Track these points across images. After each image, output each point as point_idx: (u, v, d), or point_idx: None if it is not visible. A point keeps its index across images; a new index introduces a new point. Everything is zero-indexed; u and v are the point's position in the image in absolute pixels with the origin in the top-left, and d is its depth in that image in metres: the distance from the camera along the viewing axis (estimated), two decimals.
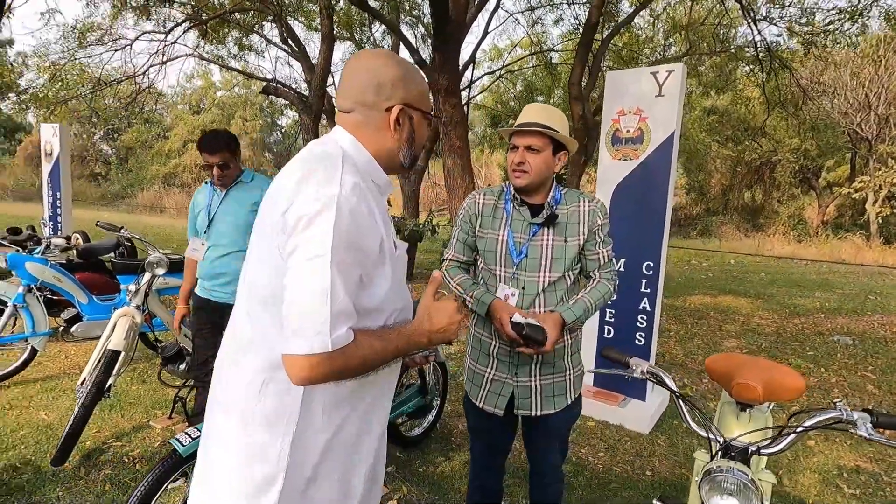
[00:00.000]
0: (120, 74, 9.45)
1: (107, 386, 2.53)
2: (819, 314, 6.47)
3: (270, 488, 0.97)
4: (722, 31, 8.96)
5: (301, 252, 0.87)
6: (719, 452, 1.13)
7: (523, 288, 1.65)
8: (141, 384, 3.53)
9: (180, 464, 1.66)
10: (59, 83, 9.24)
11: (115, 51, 8.90)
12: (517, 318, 1.53)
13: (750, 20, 7.16)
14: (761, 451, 1.11)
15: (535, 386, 1.68)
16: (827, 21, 7.64)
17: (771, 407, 1.75)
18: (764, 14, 7.47)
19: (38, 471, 2.46)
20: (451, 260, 1.80)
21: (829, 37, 7.81)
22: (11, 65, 11.98)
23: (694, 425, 1.22)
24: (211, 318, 2.49)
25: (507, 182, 1.75)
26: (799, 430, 1.10)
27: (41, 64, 9.28)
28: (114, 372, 2.55)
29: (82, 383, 2.56)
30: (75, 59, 9.10)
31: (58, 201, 7.58)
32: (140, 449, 2.70)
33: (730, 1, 7.97)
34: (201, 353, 2.58)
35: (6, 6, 5.13)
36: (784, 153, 16.02)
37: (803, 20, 7.78)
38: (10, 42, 13.86)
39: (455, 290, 1.73)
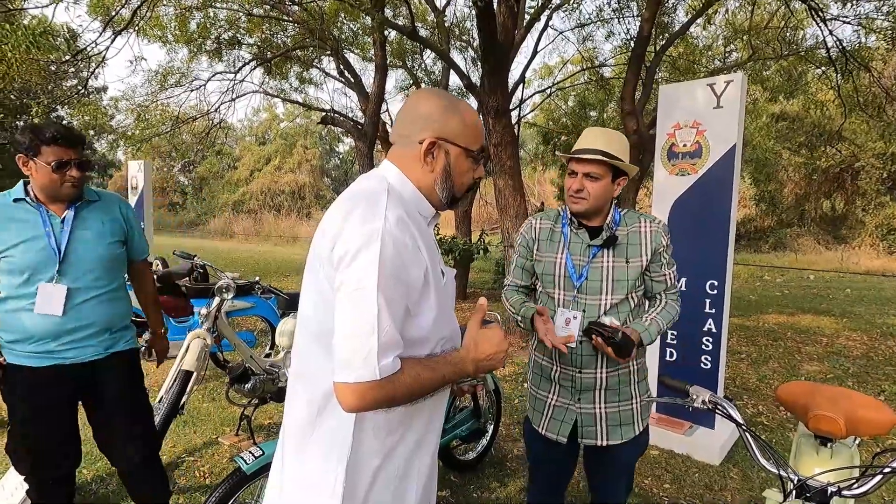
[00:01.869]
0: (195, 112, 10.32)
1: (181, 403, 2.70)
2: None
3: None
4: (789, 33, 8.47)
5: (348, 285, 0.91)
6: (793, 493, 1.05)
7: (584, 311, 1.62)
8: (210, 402, 3.75)
9: (244, 482, 1.74)
10: (144, 123, 10.20)
11: (192, 91, 9.75)
12: (605, 320, 1.55)
13: (819, 20, 6.73)
14: (842, 492, 1.02)
15: (601, 414, 1.64)
16: None
17: (858, 442, 1.59)
18: (835, 13, 7.00)
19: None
20: (509, 285, 1.82)
21: None
22: (105, 108, 13.38)
23: (763, 461, 1.13)
24: (60, 391, 1.83)
25: (563, 206, 1.75)
26: (886, 470, 1.00)
27: (129, 106, 10.31)
28: (187, 391, 2.73)
29: (160, 401, 2.76)
30: (157, 100, 10.04)
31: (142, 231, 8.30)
32: (210, 464, 2.86)
33: (795, 2, 7.54)
34: (46, 442, 1.86)
35: (103, 58, 5.77)
36: (867, 158, 14.72)
37: (882, 15, 7.21)
38: (105, 88, 15.47)
39: (508, 311, 1.75)
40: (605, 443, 1.63)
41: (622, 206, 1.75)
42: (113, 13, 6.05)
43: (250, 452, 1.74)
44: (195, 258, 3.56)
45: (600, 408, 1.63)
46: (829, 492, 1.00)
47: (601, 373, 1.61)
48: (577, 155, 1.58)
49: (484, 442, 2.89)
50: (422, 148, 1.04)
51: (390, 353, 0.91)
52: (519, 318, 1.70)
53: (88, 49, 5.67)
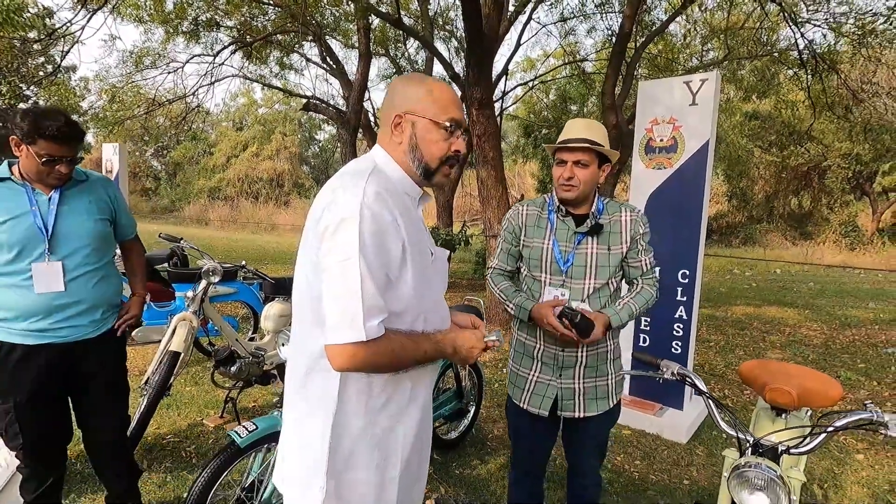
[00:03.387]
0: (172, 95, 10.08)
1: (168, 385, 2.73)
2: (872, 325, 6.17)
3: (318, 472, 1.08)
4: (763, 35, 8.74)
5: (333, 255, 1.00)
6: (748, 450, 1.17)
7: (570, 291, 1.73)
8: (194, 385, 3.76)
9: (238, 454, 1.80)
10: (117, 104, 9.92)
11: (168, 73, 9.50)
12: (574, 304, 1.64)
13: (792, 23, 6.98)
14: (791, 450, 1.14)
15: (579, 388, 1.75)
16: (876, 20, 7.34)
17: (809, 413, 1.75)
18: (807, 16, 7.26)
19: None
20: (495, 268, 1.90)
21: (881, 37, 7.50)
22: (74, 89, 12.95)
23: (724, 425, 1.26)
24: (53, 370, 1.84)
25: (548, 194, 1.84)
26: (829, 430, 1.13)
27: (102, 87, 10.01)
28: (174, 372, 2.76)
29: (146, 383, 2.78)
30: (132, 82, 9.77)
31: None
32: (195, 445, 2.89)
33: (770, 4, 7.79)
34: (38, 421, 1.87)
35: (77, 38, 5.61)
36: (834, 158, 15.31)
37: (851, 21, 7.51)
38: (74, 68, 14.95)
39: (499, 297, 1.82)
40: (582, 415, 1.74)
41: (604, 195, 1.86)
42: None
43: (244, 426, 1.80)
44: (181, 241, 3.56)
45: (579, 383, 1.74)
46: (779, 450, 1.13)
47: (581, 351, 1.73)
48: (565, 144, 1.67)
49: (466, 422, 3.00)
50: (391, 123, 1.12)
51: (375, 317, 1.00)
52: (511, 307, 1.77)
53: (63, 28, 5.50)
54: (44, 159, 1.72)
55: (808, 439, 1.14)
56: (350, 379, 1.08)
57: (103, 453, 2.06)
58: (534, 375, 1.79)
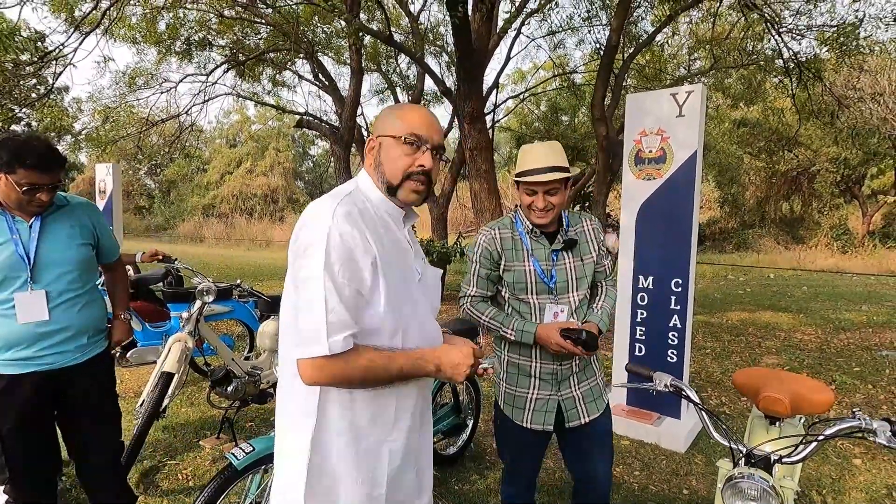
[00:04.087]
0: (165, 114, 10.12)
1: (162, 407, 2.71)
2: (866, 328, 6.22)
3: (297, 487, 1.10)
4: (749, 44, 8.91)
5: (303, 272, 1.06)
6: (741, 460, 1.18)
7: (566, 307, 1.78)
8: (190, 406, 3.73)
9: (235, 477, 1.79)
10: (111, 124, 9.95)
11: (161, 93, 9.56)
12: (571, 322, 1.70)
13: (775, 33, 7.13)
14: (783, 459, 1.16)
15: (577, 395, 1.80)
16: (856, 29, 7.51)
17: (803, 420, 1.76)
18: (789, 27, 7.41)
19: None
20: (473, 296, 1.85)
21: (862, 43, 7.66)
22: (67, 110, 12.97)
23: (717, 436, 1.27)
24: (40, 399, 1.81)
25: (513, 214, 1.85)
26: (819, 438, 1.14)
27: (95, 108, 10.04)
28: (168, 393, 2.74)
29: (141, 405, 2.76)
30: (125, 102, 9.82)
31: None
32: (192, 467, 2.87)
33: (754, 14, 7.95)
34: (27, 451, 1.84)
35: (70, 61, 5.65)
36: (822, 162, 15.52)
37: (832, 30, 7.68)
38: (67, 89, 15.00)
39: (488, 325, 1.79)
40: (587, 419, 1.79)
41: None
42: (80, 14, 5.93)
43: (241, 448, 1.79)
44: (175, 261, 3.55)
45: (576, 390, 1.79)
46: (771, 459, 1.14)
47: (576, 361, 1.78)
48: (533, 176, 1.67)
49: (464, 437, 3.00)
50: (366, 149, 1.21)
51: (340, 332, 1.03)
52: (509, 332, 1.74)
53: (56, 51, 5.54)
54: (24, 188, 1.70)
55: (799, 448, 1.16)
56: (331, 394, 1.11)
57: (96, 480, 2.04)
58: (533, 393, 1.80)
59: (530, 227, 1.77)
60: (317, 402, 1.10)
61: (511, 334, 1.74)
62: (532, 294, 1.76)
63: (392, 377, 1.11)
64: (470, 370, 1.15)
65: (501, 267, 1.79)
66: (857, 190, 16.32)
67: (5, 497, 2.04)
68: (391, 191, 1.17)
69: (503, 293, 1.83)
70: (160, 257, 3.33)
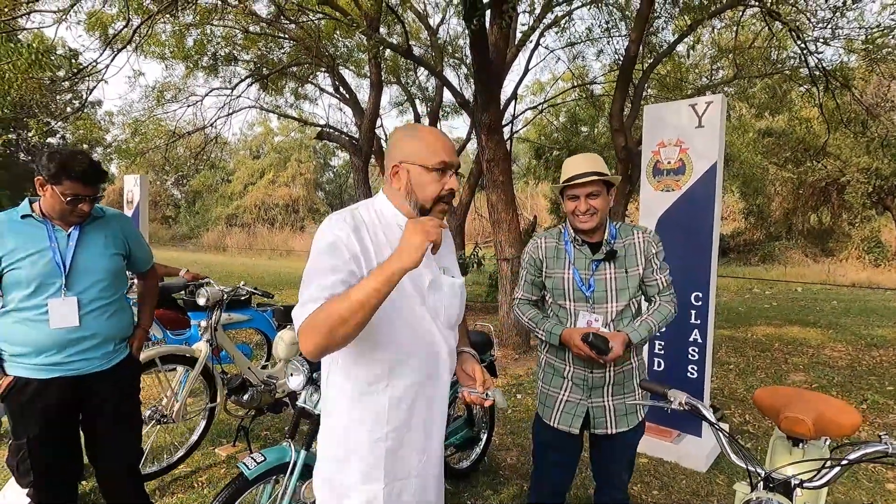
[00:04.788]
0: (191, 127, 10.42)
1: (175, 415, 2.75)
2: None
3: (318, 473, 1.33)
4: (773, 53, 8.75)
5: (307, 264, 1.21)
6: (760, 484, 1.14)
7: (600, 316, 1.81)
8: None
9: (246, 486, 1.79)
10: (140, 137, 10.29)
11: (188, 106, 9.87)
12: (600, 331, 1.72)
13: (799, 41, 6.98)
14: (804, 484, 1.11)
15: (609, 406, 1.81)
16: (887, 35, 7.30)
17: (828, 443, 1.69)
18: (813, 35, 7.26)
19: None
20: (521, 298, 1.99)
21: (892, 51, 7.45)
22: (100, 123, 13.48)
23: (734, 457, 1.23)
24: (66, 404, 1.88)
25: (563, 224, 1.93)
26: (843, 463, 1.09)
27: (125, 121, 10.41)
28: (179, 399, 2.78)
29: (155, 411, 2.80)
30: (153, 115, 10.15)
31: None
32: (207, 475, 2.89)
33: (777, 23, 7.82)
34: (51, 456, 1.89)
35: (102, 76, 5.88)
36: (853, 173, 15.06)
37: (861, 37, 7.49)
38: (100, 102, 15.60)
39: (527, 325, 1.91)
40: (613, 431, 1.80)
41: (614, 219, 1.90)
42: (112, 32, 6.17)
43: (252, 458, 1.80)
44: (206, 279, 3.65)
45: (609, 401, 1.80)
46: (791, 484, 1.10)
47: (610, 371, 1.79)
48: (575, 181, 1.75)
49: (478, 450, 2.96)
50: (390, 172, 1.27)
51: (310, 304, 1.11)
52: (541, 333, 1.86)
53: (89, 68, 5.77)
54: (69, 199, 1.79)
55: (822, 472, 1.11)
56: (337, 390, 1.27)
57: (115, 485, 2.07)
58: (564, 394, 1.86)
59: (574, 236, 1.84)
60: (336, 396, 1.27)
61: (542, 335, 1.86)
62: (569, 301, 1.82)
63: (368, 301, 1.05)
64: (427, 237, 1.06)
65: (544, 273, 1.89)
66: (889, 201, 15.75)
67: (28, 500, 2.09)
68: (423, 213, 1.26)
69: (547, 298, 1.94)
70: (202, 280, 3.50)
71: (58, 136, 17.98)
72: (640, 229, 1.84)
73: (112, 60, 5.79)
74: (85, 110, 11.15)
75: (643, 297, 1.90)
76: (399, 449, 1.25)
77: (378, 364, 1.21)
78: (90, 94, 6.74)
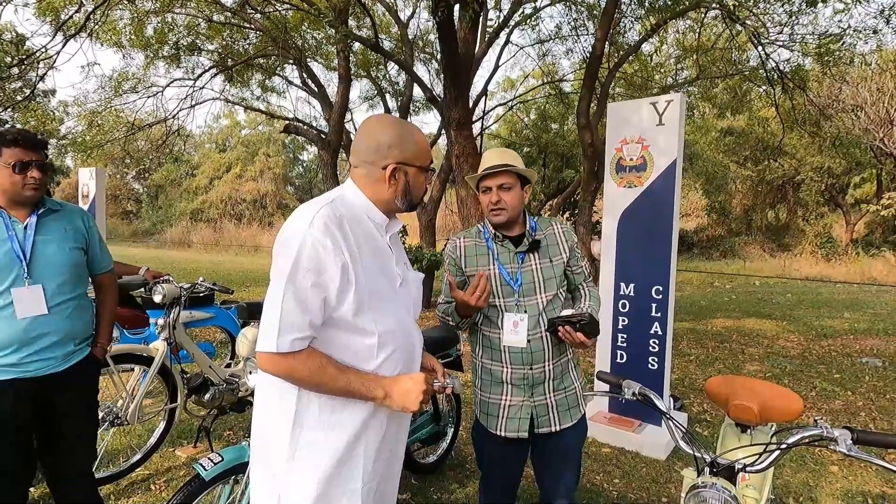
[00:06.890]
0: (152, 119, 10.04)
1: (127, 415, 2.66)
2: (848, 336, 6.29)
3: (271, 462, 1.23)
4: (733, 54, 9.04)
5: (273, 272, 1.10)
6: (705, 469, 1.18)
7: (525, 311, 1.75)
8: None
9: (203, 488, 1.75)
10: (96, 129, 9.85)
11: (148, 97, 9.49)
12: (566, 312, 1.68)
13: (758, 44, 7.24)
14: (747, 468, 1.16)
15: (552, 402, 1.77)
16: (837, 41, 7.65)
17: (774, 428, 1.76)
18: (771, 38, 7.54)
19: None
20: (441, 303, 1.89)
21: (843, 56, 7.81)
22: (53, 113, 12.81)
23: (682, 444, 1.27)
24: (21, 406, 1.78)
25: (481, 223, 1.90)
26: (783, 446, 1.14)
27: (81, 112, 9.94)
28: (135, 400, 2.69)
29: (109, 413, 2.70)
30: (111, 106, 9.72)
31: None
32: (166, 478, 2.81)
33: (737, 26, 8.08)
34: (5, 461, 1.79)
35: (52, 63, 5.59)
36: (807, 172, 15.77)
37: (814, 43, 7.82)
38: (53, 92, 14.82)
39: (444, 319, 1.85)
40: (558, 427, 1.76)
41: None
42: (64, 17, 5.87)
43: (209, 459, 1.76)
44: (168, 276, 3.51)
45: (550, 397, 1.77)
46: (735, 468, 1.14)
47: (549, 365, 1.75)
48: (486, 172, 1.75)
49: (444, 445, 2.97)
50: (386, 173, 1.22)
51: (290, 333, 1.07)
52: (450, 319, 1.80)
53: (38, 54, 5.48)
54: (15, 166, 1.74)
55: (763, 456, 1.16)
56: (298, 391, 1.17)
57: (67, 490, 1.99)
58: (506, 400, 1.78)
59: (494, 232, 1.82)
60: (296, 395, 1.17)
61: (449, 319, 1.81)
62: (497, 297, 1.78)
63: (339, 390, 1.12)
64: (424, 397, 1.16)
65: (465, 273, 1.84)
66: (840, 199, 16.58)
67: None
68: (412, 208, 1.30)
69: None
70: (162, 277, 3.33)
71: (6, 126, 17.06)
72: (555, 220, 1.88)
73: (63, 46, 5.53)
74: (36, 99, 10.60)
75: (566, 287, 1.87)
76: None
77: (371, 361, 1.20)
78: (40, 80, 6.41)
